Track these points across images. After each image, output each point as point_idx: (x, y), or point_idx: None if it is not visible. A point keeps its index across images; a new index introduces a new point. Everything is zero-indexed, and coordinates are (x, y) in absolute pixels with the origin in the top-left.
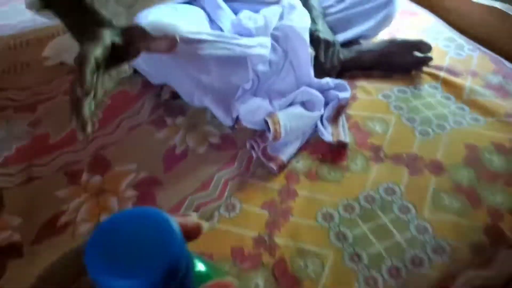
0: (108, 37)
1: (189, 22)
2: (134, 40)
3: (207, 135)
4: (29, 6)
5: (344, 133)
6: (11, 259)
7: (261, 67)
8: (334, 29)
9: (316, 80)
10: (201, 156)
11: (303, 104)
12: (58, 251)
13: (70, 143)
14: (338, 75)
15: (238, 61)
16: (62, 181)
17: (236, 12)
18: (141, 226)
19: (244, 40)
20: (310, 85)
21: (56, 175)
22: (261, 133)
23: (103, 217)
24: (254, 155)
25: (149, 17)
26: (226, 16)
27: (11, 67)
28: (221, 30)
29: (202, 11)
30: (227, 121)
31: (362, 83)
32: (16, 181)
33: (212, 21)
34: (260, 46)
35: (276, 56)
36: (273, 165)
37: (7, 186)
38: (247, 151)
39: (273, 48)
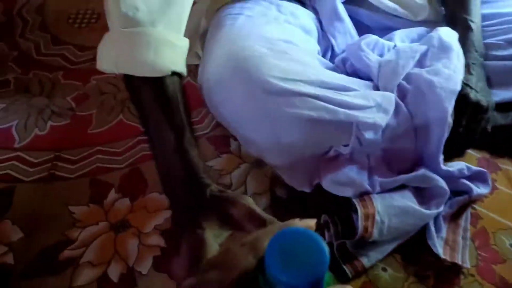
0: (213, 244)
1: (287, 38)
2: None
3: (273, 181)
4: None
5: (463, 247)
6: None
7: (370, 135)
8: (492, 81)
9: (444, 168)
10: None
11: (416, 190)
12: None
13: (112, 139)
14: (475, 146)
15: (339, 125)
16: (84, 194)
17: (358, 23)
18: (302, 240)
19: (356, 97)
20: (432, 166)
21: (80, 181)
22: (346, 206)
23: (112, 268)
24: (326, 238)
25: (238, 22)
26: (343, 32)
27: (79, 15)
28: (332, 49)
29: (312, 15)
30: (303, 187)
31: (509, 168)
32: (34, 175)
33: (323, 32)
34: (377, 109)
35: (396, 121)
36: (348, 269)
37: (22, 179)
38: (319, 226)
39: (395, 108)
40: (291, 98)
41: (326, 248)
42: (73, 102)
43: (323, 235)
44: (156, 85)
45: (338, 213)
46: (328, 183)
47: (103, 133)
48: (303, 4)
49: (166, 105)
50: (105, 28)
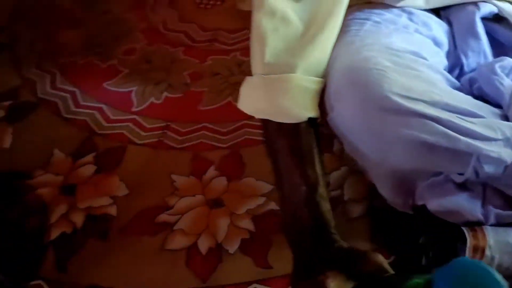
0: None
1: (415, 49)
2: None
3: (372, 191)
4: None
5: None
6: (93, 239)
7: (490, 169)
8: None
9: None
10: (353, 221)
11: None
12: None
13: (219, 119)
14: None
15: (456, 154)
16: (186, 166)
17: (491, 39)
18: (476, 273)
19: (481, 126)
20: None
21: (184, 153)
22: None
23: (202, 240)
24: (423, 262)
25: (364, 28)
26: (477, 51)
27: None
28: (460, 67)
29: (445, 28)
30: (405, 209)
31: None
32: (145, 140)
33: (454, 47)
34: (504, 143)
35: None
36: None
37: (134, 141)
38: (417, 247)
39: None
40: (409, 118)
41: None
42: (188, 78)
43: (420, 258)
44: (292, 135)
45: (440, 237)
46: (434, 207)
47: (211, 111)
48: (438, 15)
49: (300, 157)
50: (228, 11)
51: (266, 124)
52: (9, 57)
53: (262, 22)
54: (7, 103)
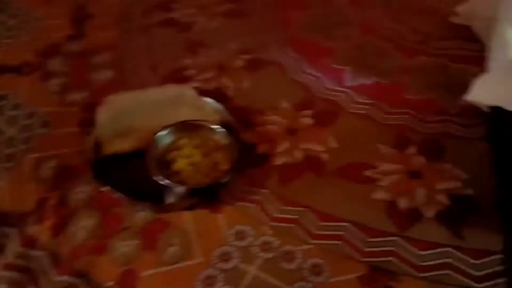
0: None
1: None
2: None
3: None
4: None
5: None
6: (309, 172)
7: None
8: None
9: None
10: None
11: None
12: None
13: (421, 109)
14: None
15: None
16: (390, 139)
17: None
18: None
19: None
20: None
21: (388, 128)
22: None
23: (401, 200)
24: None
25: None
26: None
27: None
28: None
29: None
30: None
31: None
32: (354, 110)
33: None
34: None
35: None
36: None
37: (345, 109)
38: None
39: None
40: None
41: None
42: (395, 70)
43: None
44: None
45: None
46: None
47: (416, 101)
48: None
49: None
50: (440, 20)
51: (503, 113)
52: (244, 22)
53: (508, 32)
54: (246, 56)
